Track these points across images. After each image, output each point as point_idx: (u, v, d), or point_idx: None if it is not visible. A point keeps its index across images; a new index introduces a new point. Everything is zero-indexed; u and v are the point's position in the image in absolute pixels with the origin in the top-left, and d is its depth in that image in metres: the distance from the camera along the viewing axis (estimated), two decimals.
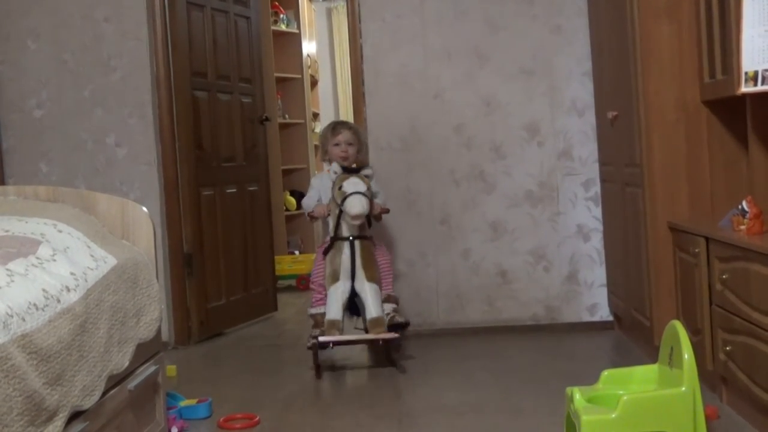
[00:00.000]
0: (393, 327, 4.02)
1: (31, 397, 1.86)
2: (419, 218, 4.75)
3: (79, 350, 2.16)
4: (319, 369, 3.99)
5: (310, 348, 4.01)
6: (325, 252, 4.10)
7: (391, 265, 4.24)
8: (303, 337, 4.83)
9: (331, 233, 4.07)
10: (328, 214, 4.13)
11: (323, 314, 4.05)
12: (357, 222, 3.95)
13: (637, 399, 2.47)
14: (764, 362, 2.68)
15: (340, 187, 3.96)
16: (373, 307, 3.97)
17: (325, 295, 4.06)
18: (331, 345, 3.99)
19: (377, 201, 4.18)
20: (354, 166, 4.13)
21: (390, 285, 4.18)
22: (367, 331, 4.06)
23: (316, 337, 3.95)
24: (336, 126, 4.34)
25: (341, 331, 3.99)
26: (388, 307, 4.09)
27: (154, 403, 2.89)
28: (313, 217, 4.28)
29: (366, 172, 4.06)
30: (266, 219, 5.62)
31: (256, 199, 5.50)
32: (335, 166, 4.06)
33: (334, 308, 3.99)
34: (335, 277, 4.02)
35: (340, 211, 3.97)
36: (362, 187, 3.94)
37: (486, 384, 3.75)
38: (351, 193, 3.91)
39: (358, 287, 4.01)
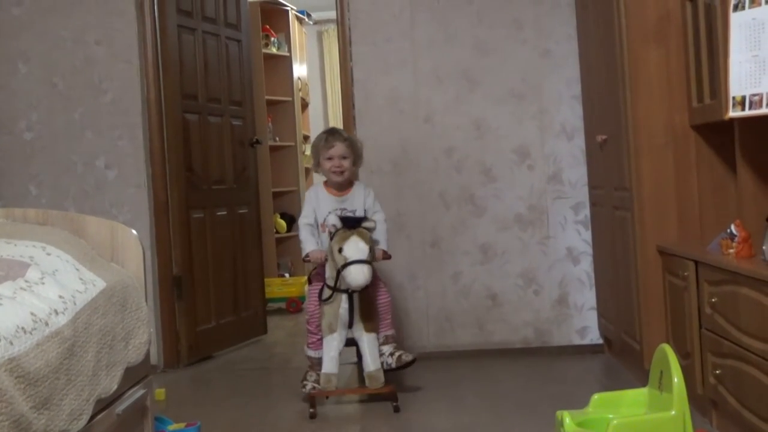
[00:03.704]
0: (401, 367, 3.97)
1: (18, 421, 1.85)
2: (409, 241, 4.75)
3: (67, 374, 2.15)
4: (314, 416, 3.80)
5: (304, 392, 3.93)
6: (320, 297, 3.89)
7: (390, 304, 4.09)
8: (293, 360, 4.82)
9: (329, 282, 3.84)
10: (326, 260, 3.87)
11: (319, 358, 3.93)
12: (358, 289, 3.78)
13: (627, 423, 2.46)
14: (754, 386, 2.68)
15: (340, 249, 3.70)
16: (370, 361, 3.86)
17: (321, 338, 3.93)
18: (326, 397, 3.95)
19: (379, 243, 3.98)
20: (354, 214, 3.90)
21: (389, 326, 4.04)
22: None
23: (310, 395, 3.87)
24: (329, 137, 4.03)
25: (336, 386, 3.90)
26: (387, 348, 3.99)
27: (143, 427, 2.87)
28: (309, 261, 4.04)
29: (368, 224, 3.80)
30: (256, 241, 5.61)
31: (246, 222, 5.49)
32: (334, 218, 3.80)
33: (330, 362, 3.87)
34: (331, 329, 3.85)
35: (339, 271, 3.73)
36: (364, 252, 3.69)
37: (477, 408, 3.74)
38: (352, 262, 3.67)
39: (356, 336, 3.89)
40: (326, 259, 3.87)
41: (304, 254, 4.01)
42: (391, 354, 3.98)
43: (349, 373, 4.43)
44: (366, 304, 3.89)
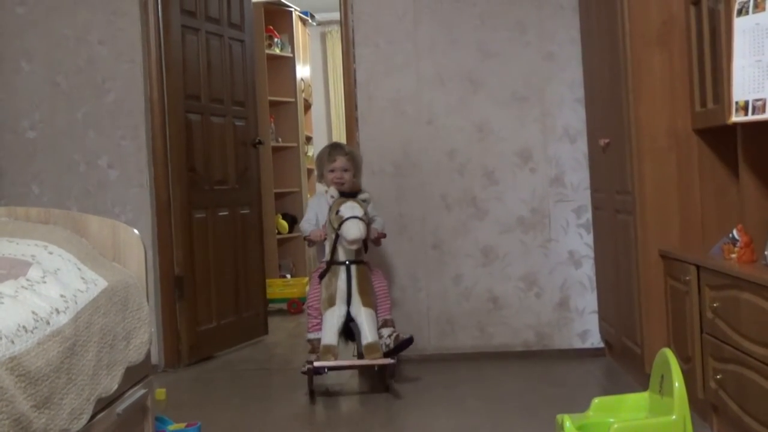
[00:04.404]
0: (399, 346, 4.03)
1: (18, 420, 1.85)
2: (411, 243, 4.75)
3: (67, 373, 2.15)
4: (313, 394, 3.96)
5: (305, 373, 3.98)
6: (321, 276, 4.08)
7: (388, 290, 4.23)
8: (294, 361, 4.82)
9: (327, 257, 4.05)
10: (325, 238, 4.11)
11: (320, 340, 4.02)
12: (354, 247, 3.95)
13: (628, 427, 2.46)
14: (755, 391, 2.67)
15: (337, 212, 3.95)
16: (368, 333, 3.95)
17: (321, 320, 4.04)
18: (325, 370, 3.98)
19: (374, 226, 4.17)
20: (351, 191, 4.11)
21: (387, 310, 4.17)
22: (361, 357, 4.06)
23: (311, 362, 3.92)
24: (332, 151, 4.33)
25: (336, 357, 3.97)
26: (386, 331, 4.08)
27: (143, 427, 2.87)
28: (310, 241, 4.26)
29: (363, 196, 4.05)
30: (258, 242, 5.61)
31: (248, 223, 5.50)
32: (332, 191, 4.05)
33: (329, 333, 3.96)
34: (331, 302, 3.99)
35: (337, 236, 3.95)
36: (359, 212, 3.93)
37: (477, 410, 3.74)
38: (348, 218, 3.89)
39: (353, 312, 3.99)
40: (325, 238, 4.09)
41: (305, 235, 4.27)
42: (389, 335, 4.08)
43: (349, 375, 4.43)
44: (363, 278, 4.01)
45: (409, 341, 4.07)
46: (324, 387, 4.18)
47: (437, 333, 4.75)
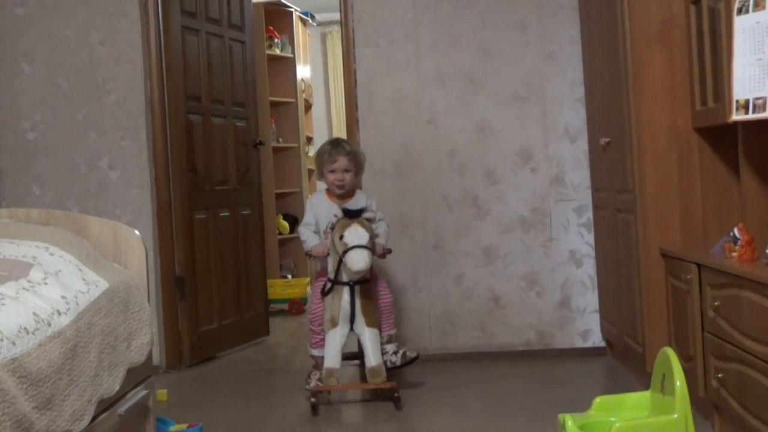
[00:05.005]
0: (406, 364, 4.03)
1: (20, 421, 1.85)
2: (412, 243, 4.75)
3: (69, 374, 2.15)
4: (316, 409, 3.87)
5: (307, 389, 3.95)
6: (323, 292, 3.95)
7: (393, 304, 4.14)
8: (295, 362, 4.82)
9: (331, 276, 3.91)
10: (328, 254, 3.96)
11: (323, 357, 3.95)
12: (358, 277, 3.83)
13: (629, 426, 2.46)
14: (756, 389, 2.67)
15: (341, 237, 3.78)
16: (372, 355, 3.89)
17: (324, 337, 3.96)
18: (328, 393, 3.96)
19: (379, 240, 4.04)
20: (355, 208, 3.91)
21: (392, 325, 4.10)
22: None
23: (313, 390, 3.87)
24: (332, 150, 4.13)
25: (339, 380, 3.93)
26: (391, 347, 4.04)
27: (144, 428, 2.87)
28: (311, 256, 4.14)
29: (368, 215, 3.87)
30: (259, 243, 5.61)
31: (248, 223, 5.50)
32: (336, 209, 3.88)
33: (332, 356, 3.89)
34: (334, 323, 3.89)
35: (341, 259, 3.81)
36: (364, 238, 3.77)
37: (478, 410, 3.74)
38: (353, 247, 3.75)
39: (357, 330, 3.91)
40: (328, 254, 3.94)
41: (306, 250, 4.11)
42: (395, 353, 4.04)
43: (351, 375, 4.43)
44: (367, 298, 3.92)
45: (415, 359, 4.06)
46: (325, 395, 4.13)
47: (438, 333, 4.75)
